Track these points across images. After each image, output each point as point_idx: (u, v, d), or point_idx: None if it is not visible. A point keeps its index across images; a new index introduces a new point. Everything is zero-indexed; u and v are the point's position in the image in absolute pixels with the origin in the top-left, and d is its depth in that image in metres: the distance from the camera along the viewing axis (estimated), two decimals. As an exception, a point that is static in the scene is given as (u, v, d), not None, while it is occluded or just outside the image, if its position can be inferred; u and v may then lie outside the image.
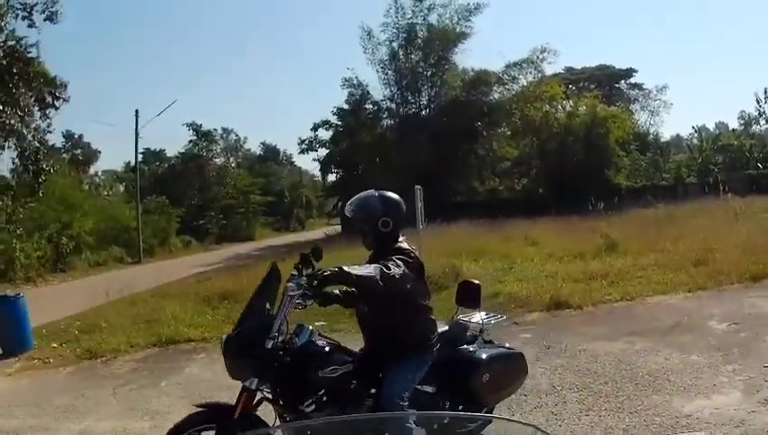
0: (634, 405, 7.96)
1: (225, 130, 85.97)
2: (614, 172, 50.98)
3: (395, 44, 56.65)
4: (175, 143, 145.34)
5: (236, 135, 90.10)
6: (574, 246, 22.84)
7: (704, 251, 18.44)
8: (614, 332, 11.90)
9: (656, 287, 15.60)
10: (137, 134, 50.90)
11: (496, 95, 56.65)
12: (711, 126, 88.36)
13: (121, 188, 69.89)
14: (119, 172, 78.30)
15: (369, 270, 4.88)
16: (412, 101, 57.45)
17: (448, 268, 18.60)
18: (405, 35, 56.31)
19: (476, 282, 6.65)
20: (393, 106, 58.05)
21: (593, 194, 34.38)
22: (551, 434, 1.78)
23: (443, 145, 49.35)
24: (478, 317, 6.47)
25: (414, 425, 3.37)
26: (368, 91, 57.89)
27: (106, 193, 62.39)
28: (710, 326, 11.75)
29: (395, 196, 5.64)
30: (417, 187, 20.13)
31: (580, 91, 58.97)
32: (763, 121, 68.27)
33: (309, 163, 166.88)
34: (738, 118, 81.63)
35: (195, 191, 68.30)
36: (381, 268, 4.90)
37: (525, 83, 55.84)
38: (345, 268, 4.81)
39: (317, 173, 73.89)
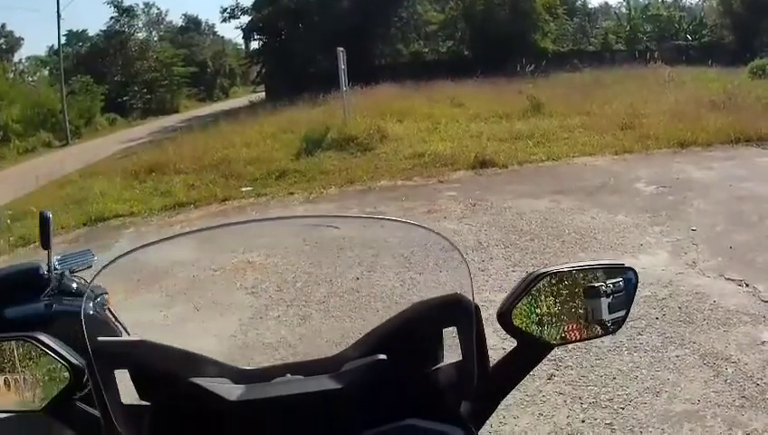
0: (561, 262, 7.73)
1: (146, 4, 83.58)
2: (540, 36, 50.63)
3: None
4: (97, 22, 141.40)
5: (158, 8, 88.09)
6: (500, 107, 22.62)
7: (631, 116, 18.41)
8: (540, 190, 11.87)
9: (582, 149, 15.61)
10: (59, 16, 49.04)
11: (423, -44, 55.44)
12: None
13: (46, 73, 67.93)
14: (42, 57, 76.29)
15: None
16: (336, -36, 55.88)
17: (373, 129, 18.42)
18: None
19: (47, 214, 4.66)
20: (317, -30, 56.30)
21: (519, 58, 34.03)
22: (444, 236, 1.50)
23: (366, 8, 48.50)
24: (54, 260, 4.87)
25: None
26: (292, -45, 56.07)
27: (31, 79, 61.08)
28: (637, 188, 11.77)
29: None
30: (340, 48, 19.74)
31: (508, -47, 58.17)
32: (694, -6, 68.22)
33: (232, 32, 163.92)
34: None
35: (118, 68, 66.77)
36: None
37: (452, -56, 54.78)
38: None
39: (240, 42, 73.09)
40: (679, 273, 7.38)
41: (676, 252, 8.16)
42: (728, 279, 7.13)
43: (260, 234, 9.04)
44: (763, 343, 5.71)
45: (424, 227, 1.73)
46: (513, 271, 7.71)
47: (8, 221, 14.58)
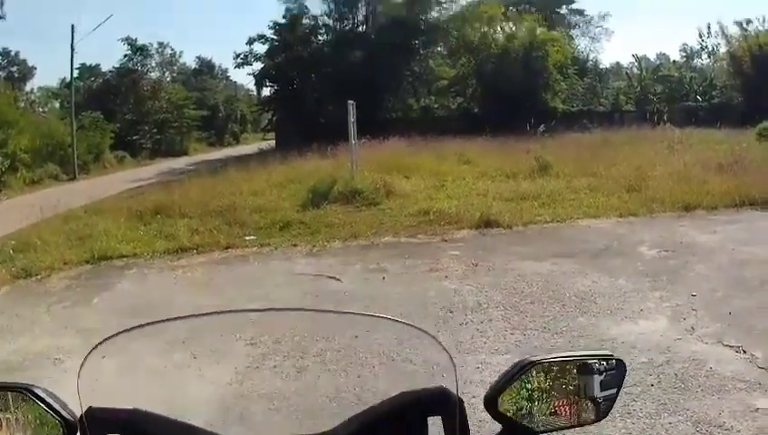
0: (560, 326, 7.90)
1: (160, 44, 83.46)
2: (551, 96, 50.83)
3: (336, -42, 55.48)
4: (111, 58, 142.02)
5: (172, 49, 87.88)
6: (507, 166, 22.70)
7: (638, 178, 18.47)
8: (543, 252, 11.85)
9: (587, 211, 15.62)
10: (72, 49, 49.37)
11: (435, 14, 55.92)
12: (652, 57, 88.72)
13: (57, 105, 68.20)
14: (54, 88, 76.53)
15: None
16: (349, 17, 56.66)
17: (380, 184, 18.55)
18: (346, -51, 55.11)
19: None
20: (330, 22, 57.12)
21: (529, 116, 34.23)
22: (436, 338, 1.53)
23: (379, 62, 48.85)
24: None
25: None
26: (306, 6, 56.82)
27: (42, 110, 61.01)
28: (640, 252, 11.75)
29: None
30: (350, 102, 19.86)
31: (520, 14, 58.52)
32: (705, 55, 68.75)
33: (244, 78, 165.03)
34: (680, 50, 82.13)
35: (129, 106, 66.87)
36: None
37: (465, 3, 55.35)
38: None
39: (252, 88, 73.08)
40: (677, 339, 7.34)
41: (675, 317, 8.11)
42: (726, 345, 7.10)
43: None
44: (757, 410, 5.68)
45: (412, 326, 1.73)
46: (511, 334, 7.68)
47: (11, 252, 14.64)
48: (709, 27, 63.20)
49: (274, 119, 59.68)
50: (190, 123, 70.94)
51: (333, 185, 19.11)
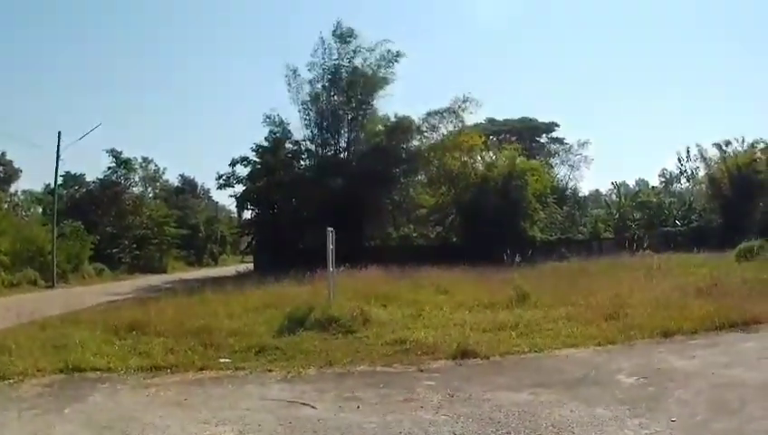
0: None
1: (144, 159, 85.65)
2: (530, 224, 51.46)
3: (319, 85, 57.18)
4: (95, 168, 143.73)
5: (156, 165, 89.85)
6: (485, 296, 22.72)
7: (616, 306, 18.46)
8: (520, 383, 11.71)
9: (565, 340, 15.50)
10: (58, 156, 50.79)
11: (416, 142, 56.92)
12: (631, 183, 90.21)
13: (39, 210, 69.51)
14: (38, 193, 77.33)
15: None
16: (332, 142, 57.75)
17: (357, 312, 18.42)
18: (329, 76, 57.04)
19: None
20: (313, 147, 58.26)
21: (508, 245, 34.41)
22: None
23: (359, 189, 49.53)
24: None
25: None
26: (289, 130, 58.28)
27: (24, 214, 62.09)
28: (618, 380, 11.65)
29: None
30: (330, 229, 20.01)
31: (500, 143, 59.63)
32: (683, 180, 70.21)
33: (226, 199, 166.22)
34: (659, 176, 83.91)
35: (110, 219, 68.22)
36: None
37: (446, 132, 56.19)
38: None
39: (233, 209, 74.06)
40: (657, 466, 7.22)
41: (653, 445, 7.94)
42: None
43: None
44: None
45: None
46: (486, 467, 7.52)
47: None
48: (688, 151, 64.98)
49: (254, 242, 60.77)
50: (170, 241, 72.20)
51: (310, 312, 18.98)
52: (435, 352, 14.62)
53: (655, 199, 64.39)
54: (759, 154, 57.59)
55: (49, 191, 64.92)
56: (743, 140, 59.05)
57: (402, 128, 55.53)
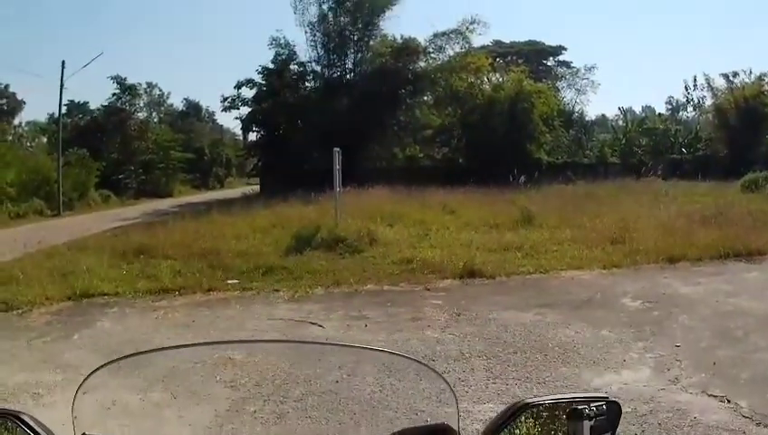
0: (542, 376, 7.85)
1: (149, 84, 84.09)
2: (536, 147, 50.99)
3: (325, 6, 55.84)
4: (100, 96, 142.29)
5: (160, 90, 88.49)
6: (491, 217, 22.79)
7: (622, 230, 18.47)
8: (526, 303, 11.80)
9: (570, 262, 15.56)
10: (62, 85, 49.54)
11: (422, 64, 56.05)
12: (638, 109, 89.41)
13: (44, 140, 68.64)
14: (42, 123, 76.62)
15: None
16: (338, 64, 56.68)
17: (364, 232, 18.49)
18: (336, -3, 55.41)
19: None
20: (318, 69, 57.28)
21: (514, 167, 34.17)
22: (434, 368, 1.54)
23: (365, 110, 48.89)
24: None
25: None
26: (294, 52, 56.99)
27: (29, 144, 62.04)
28: (623, 303, 11.74)
29: None
30: (336, 149, 19.87)
31: (507, 65, 58.85)
32: (690, 108, 69.37)
33: (231, 121, 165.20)
34: (666, 103, 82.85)
35: (116, 145, 67.12)
36: None
37: (452, 54, 55.49)
38: None
39: (238, 132, 73.20)
40: (661, 389, 7.29)
41: (659, 368, 8.06)
42: (710, 395, 7.06)
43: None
44: (742, 459, 5.65)
45: (418, 362, 1.79)
46: (493, 383, 7.61)
47: None
48: (695, 80, 63.70)
49: (260, 164, 60.07)
50: (176, 165, 71.16)
51: (317, 232, 19.05)
52: (441, 271, 14.72)
53: (661, 126, 63.64)
54: (766, 87, 56.92)
55: (54, 120, 64.23)
56: (750, 72, 58.35)
57: (409, 49, 54.78)
